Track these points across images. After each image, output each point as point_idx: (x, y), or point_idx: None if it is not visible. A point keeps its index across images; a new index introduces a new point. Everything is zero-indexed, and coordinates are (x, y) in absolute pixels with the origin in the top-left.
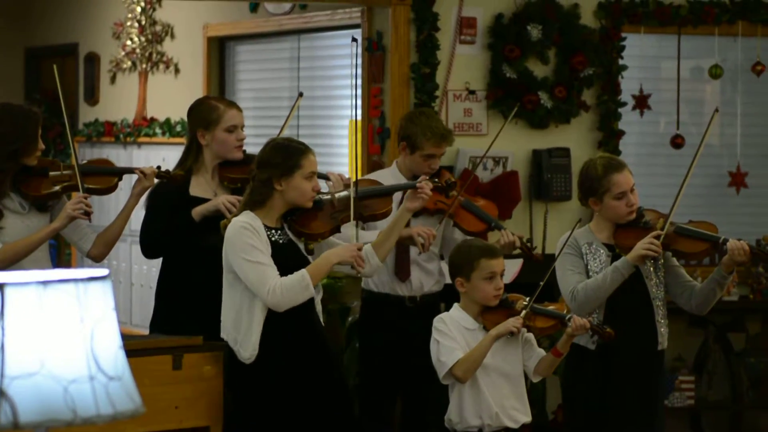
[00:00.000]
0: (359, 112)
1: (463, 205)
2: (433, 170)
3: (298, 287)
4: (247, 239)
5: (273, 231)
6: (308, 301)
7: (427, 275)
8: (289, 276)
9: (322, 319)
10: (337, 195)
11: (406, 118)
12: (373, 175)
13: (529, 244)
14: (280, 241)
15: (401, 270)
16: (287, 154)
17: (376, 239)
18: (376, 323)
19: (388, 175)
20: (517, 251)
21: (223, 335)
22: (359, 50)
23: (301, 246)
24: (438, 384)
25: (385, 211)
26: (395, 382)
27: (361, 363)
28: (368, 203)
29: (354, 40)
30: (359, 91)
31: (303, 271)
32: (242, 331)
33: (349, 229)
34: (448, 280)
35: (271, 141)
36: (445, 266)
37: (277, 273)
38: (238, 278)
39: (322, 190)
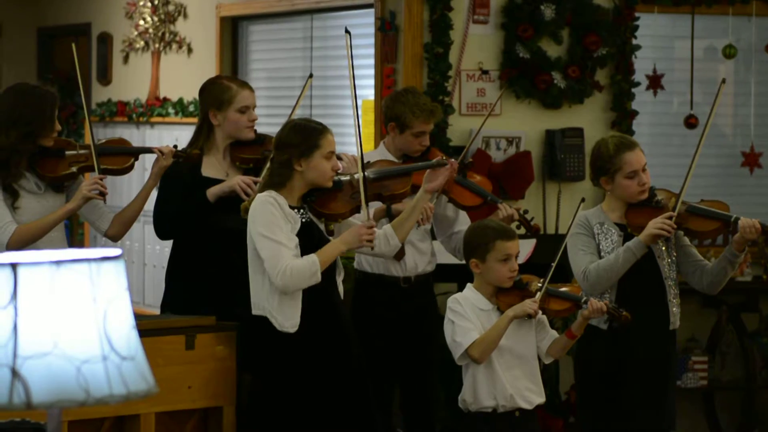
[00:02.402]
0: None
1: (457, 181)
2: (424, 147)
3: (307, 272)
4: (269, 214)
5: (294, 210)
6: (330, 279)
7: (420, 255)
8: (300, 260)
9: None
10: (356, 176)
11: (392, 98)
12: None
13: (526, 216)
14: (302, 221)
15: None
16: (306, 135)
17: (396, 220)
18: (370, 304)
19: (377, 157)
20: (516, 224)
21: (255, 312)
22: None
23: (322, 226)
24: (436, 364)
25: (404, 191)
26: (392, 363)
27: None
28: (386, 183)
29: (347, 32)
30: (371, 72)
31: (314, 256)
32: (277, 300)
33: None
34: (440, 261)
35: (289, 122)
36: (438, 246)
37: (292, 254)
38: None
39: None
